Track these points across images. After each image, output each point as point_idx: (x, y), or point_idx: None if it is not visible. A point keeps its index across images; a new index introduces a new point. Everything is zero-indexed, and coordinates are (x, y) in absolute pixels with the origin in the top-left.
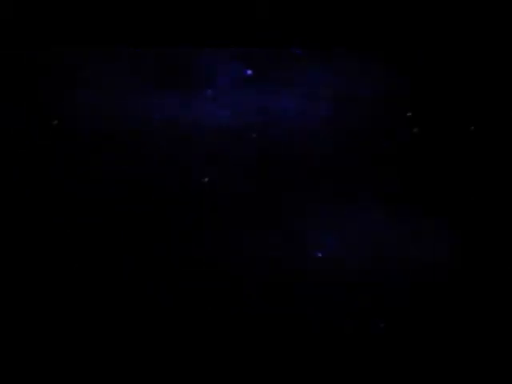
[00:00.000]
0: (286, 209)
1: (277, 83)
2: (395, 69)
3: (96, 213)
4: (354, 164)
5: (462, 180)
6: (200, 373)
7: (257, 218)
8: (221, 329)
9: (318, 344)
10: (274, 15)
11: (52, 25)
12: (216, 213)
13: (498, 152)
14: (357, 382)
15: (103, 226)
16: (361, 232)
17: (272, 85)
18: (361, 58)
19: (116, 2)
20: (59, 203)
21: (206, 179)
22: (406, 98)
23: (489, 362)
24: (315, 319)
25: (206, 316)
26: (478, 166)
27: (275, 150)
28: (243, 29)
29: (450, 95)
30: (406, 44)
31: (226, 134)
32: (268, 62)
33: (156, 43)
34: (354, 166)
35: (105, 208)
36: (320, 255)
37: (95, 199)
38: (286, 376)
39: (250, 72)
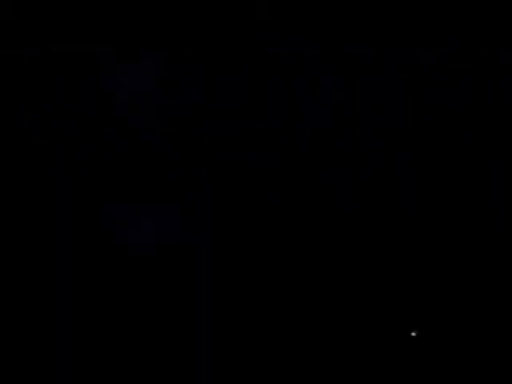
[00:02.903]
0: None
1: None
2: None
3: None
4: None
5: None
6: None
7: None
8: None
9: None
10: (274, 15)
11: (52, 25)
12: None
13: None
14: None
15: None
16: None
17: None
18: None
19: (116, 2)
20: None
21: None
22: None
23: None
24: None
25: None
26: None
27: None
28: (243, 29)
29: None
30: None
31: None
32: None
33: (157, 44)
34: None
35: None
36: None
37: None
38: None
39: None
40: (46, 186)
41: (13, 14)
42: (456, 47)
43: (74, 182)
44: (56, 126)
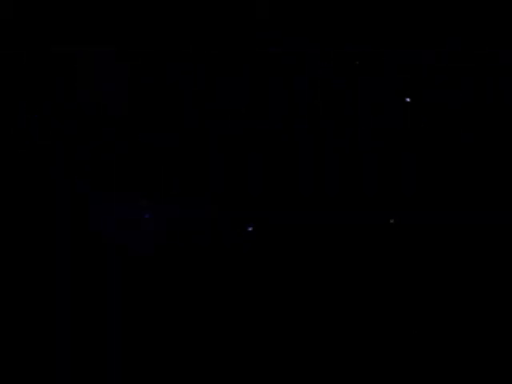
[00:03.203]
0: None
1: None
2: None
3: None
4: None
5: None
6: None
7: None
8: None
9: None
10: (274, 15)
11: (52, 25)
12: None
13: None
14: None
15: None
16: None
17: None
18: None
19: (117, 2)
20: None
21: None
22: None
23: None
24: None
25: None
26: None
27: None
28: (243, 29)
29: None
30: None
31: None
32: None
33: (156, 44)
34: None
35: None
36: None
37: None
38: None
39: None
40: (46, 186)
41: (13, 14)
42: (456, 47)
43: (73, 181)
44: (56, 125)
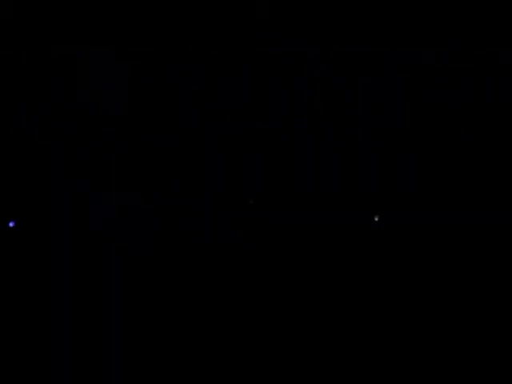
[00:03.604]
0: None
1: None
2: None
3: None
4: None
5: None
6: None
7: None
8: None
9: None
10: (274, 15)
11: (52, 25)
12: None
13: None
14: None
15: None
16: None
17: None
18: None
19: (117, 2)
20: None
21: None
22: None
23: None
24: None
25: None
26: None
27: None
28: (243, 29)
29: None
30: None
31: None
32: None
33: (156, 44)
34: None
35: None
36: None
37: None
38: None
39: None
40: (46, 186)
41: (13, 14)
42: (456, 47)
43: (73, 181)
44: (56, 125)
